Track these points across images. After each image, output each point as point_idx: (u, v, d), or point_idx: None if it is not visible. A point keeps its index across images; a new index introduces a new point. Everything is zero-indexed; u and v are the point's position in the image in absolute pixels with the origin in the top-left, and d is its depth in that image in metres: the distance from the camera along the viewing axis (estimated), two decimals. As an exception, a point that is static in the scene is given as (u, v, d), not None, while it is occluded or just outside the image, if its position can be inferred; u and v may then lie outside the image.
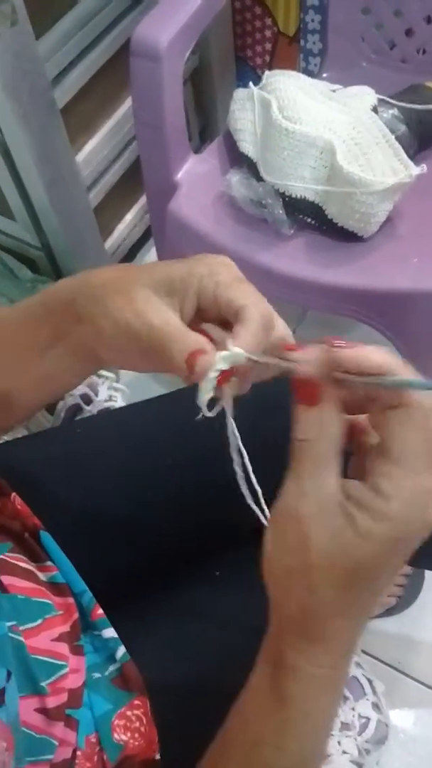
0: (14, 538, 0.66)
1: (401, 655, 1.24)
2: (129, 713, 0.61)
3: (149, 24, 1.06)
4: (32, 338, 0.52)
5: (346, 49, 1.34)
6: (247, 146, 1.12)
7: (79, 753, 0.56)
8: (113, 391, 0.97)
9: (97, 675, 0.62)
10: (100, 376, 0.97)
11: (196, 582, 0.75)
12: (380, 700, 0.79)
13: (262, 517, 0.47)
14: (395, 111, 1.10)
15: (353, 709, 0.76)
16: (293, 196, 1.05)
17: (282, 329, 0.47)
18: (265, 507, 0.47)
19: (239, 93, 1.15)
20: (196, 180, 1.18)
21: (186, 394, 0.82)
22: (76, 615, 0.64)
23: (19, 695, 0.52)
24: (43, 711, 0.55)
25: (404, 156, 1.01)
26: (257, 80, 1.13)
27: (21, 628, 0.56)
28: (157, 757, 0.60)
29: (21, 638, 0.55)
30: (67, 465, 0.77)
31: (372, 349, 0.39)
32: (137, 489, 0.76)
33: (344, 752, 0.73)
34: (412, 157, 1.03)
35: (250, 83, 1.13)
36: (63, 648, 0.60)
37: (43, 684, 0.55)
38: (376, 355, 0.39)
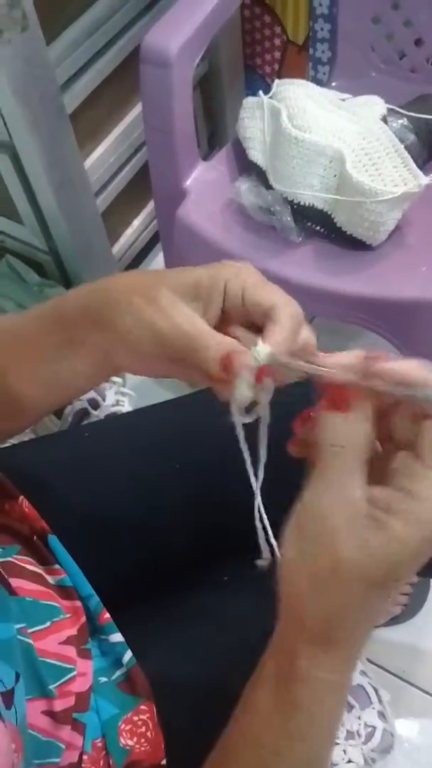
0: (22, 540, 0.66)
1: (407, 664, 1.23)
2: (135, 718, 0.60)
3: (159, 31, 1.07)
4: (45, 345, 0.52)
5: (355, 58, 1.34)
6: (256, 154, 1.12)
7: (85, 757, 0.56)
8: (120, 395, 0.97)
9: (103, 679, 0.62)
10: (107, 380, 0.97)
11: (203, 586, 0.75)
12: (386, 709, 0.79)
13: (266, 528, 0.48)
14: (405, 121, 1.10)
15: (359, 717, 0.76)
16: (302, 204, 1.06)
17: (307, 333, 0.47)
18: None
19: (249, 101, 1.15)
20: (204, 187, 1.18)
21: (193, 399, 0.82)
22: (83, 618, 0.64)
23: (26, 698, 0.52)
24: (50, 714, 0.55)
25: (413, 165, 1.01)
26: (266, 88, 1.14)
27: (29, 630, 0.56)
28: (164, 762, 0.60)
29: (30, 641, 0.55)
30: (74, 469, 0.77)
31: (414, 363, 0.40)
32: (144, 493, 0.76)
33: (350, 761, 0.72)
34: (421, 166, 1.03)
35: (260, 92, 1.13)
36: (71, 651, 0.60)
37: (50, 687, 0.55)
38: (419, 368, 0.39)
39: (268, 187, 1.08)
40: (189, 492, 0.75)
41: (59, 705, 0.56)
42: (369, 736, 0.76)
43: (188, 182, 1.18)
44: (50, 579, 0.65)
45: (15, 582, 0.59)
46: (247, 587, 0.69)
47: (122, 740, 0.59)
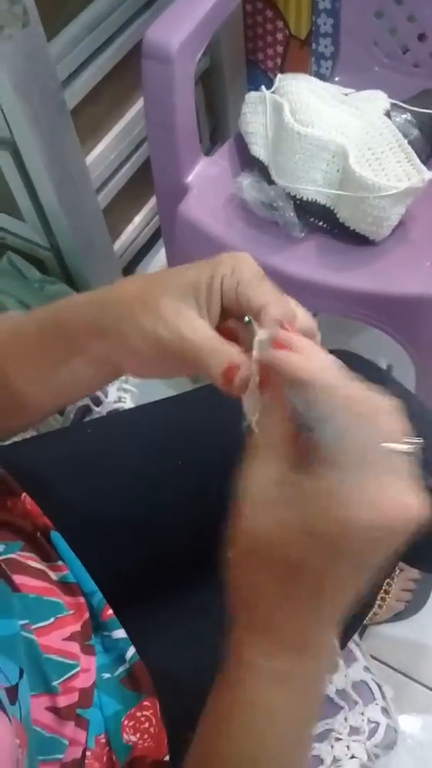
0: (25, 537, 0.66)
1: (410, 661, 1.24)
2: (138, 714, 0.60)
3: (161, 26, 1.06)
4: (46, 352, 0.52)
5: (358, 53, 1.34)
6: (259, 149, 1.12)
7: (88, 753, 0.56)
8: (122, 392, 0.97)
9: (107, 675, 0.62)
10: (111, 382, 0.97)
11: (206, 582, 0.75)
12: (389, 705, 0.79)
13: None
14: (408, 115, 1.10)
15: (362, 713, 0.76)
16: (304, 199, 1.05)
17: (304, 321, 0.47)
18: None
19: (251, 96, 1.15)
20: (206, 182, 1.18)
21: (194, 395, 0.82)
22: (86, 615, 0.63)
23: (30, 693, 0.52)
24: (54, 710, 0.55)
25: (417, 160, 1.01)
26: (268, 83, 1.13)
27: (33, 626, 0.56)
28: (167, 758, 0.60)
29: (33, 637, 0.55)
30: (76, 465, 0.77)
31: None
32: (146, 489, 0.76)
33: (353, 757, 0.72)
34: (424, 161, 1.03)
35: (262, 87, 1.13)
36: (74, 647, 0.60)
37: (54, 683, 0.55)
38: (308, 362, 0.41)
39: (271, 182, 1.08)
40: (191, 488, 0.75)
41: (63, 701, 0.56)
42: (372, 732, 0.75)
43: (190, 178, 1.18)
44: (53, 575, 0.64)
45: (18, 579, 0.59)
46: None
47: (125, 736, 0.59)
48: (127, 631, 0.65)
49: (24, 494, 0.70)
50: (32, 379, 0.53)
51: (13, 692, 0.48)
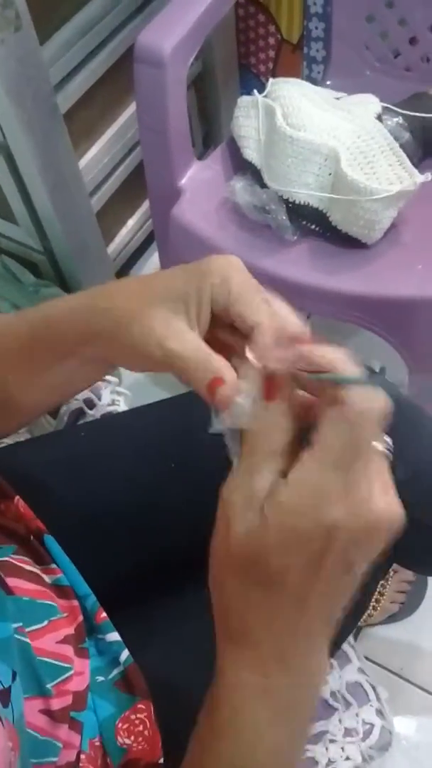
0: (19, 540, 0.66)
1: (404, 662, 1.24)
2: (133, 717, 0.60)
3: (153, 30, 1.07)
4: (41, 355, 0.52)
5: (349, 57, 1.34)
6: (251, 153, 1.12)
7: (82, 756, 0.56)
8: (116, 395, 0.97)
9: (100, 678, 0.62)
10: (103, 380, 0.97)
11: (201, 585, 0.75)
12: (384, 707, 0.79)
13: None
14: (399, 119, 1.10)
15: (357, 715, 0.76)
16: (297, 202, 1.06)
17: (294, 327, 0.47)
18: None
19: (243, 100, 1.15)
20: (199, 186, 1.18)
21: (189, 398, 0.82)
22: (80, 618, 0.63)
23: (24, 696, 0.52)
24: (47, 713, 0.55)
25: (409, 164, 1.01)
26: (261, 87, 1.14)
27: (27, 629, 0.56)
28: (161, 761, 0.59)
29: (27, 639, 0.55)
30: (70, 468, 0.77)
31: (326, 347, 0.41)
32: (140, 492, 0.76)
33: (348, 758, 0.72)
34: (416, 164, 1.03)
35: (255, 91, 1.13)
36: (68, 650, 0.60)
37: (48, 686, 0.55)
38: (328, 351, 0.40)
39: (263, 185, 1.08)
40: (185, 491, 0.75)
41: (57, 704, 0.55)
42: (367, 734, 0.76)
43: (183, 181, 1.18)
44: (47, 578, 0.64)
45: (12, 581, 0.59)
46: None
47: (120, 739, 0.59)
48: (121, 634, 0.65)
49: (17, 497, 0.69)
50: (25, 380, 0.53)
51: (5, 695, 0.48)
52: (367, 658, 1.21)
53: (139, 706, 0.61)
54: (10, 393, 0.54)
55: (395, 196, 0.99)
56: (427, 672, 1.23)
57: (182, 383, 0.47)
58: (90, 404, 0.93)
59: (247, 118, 1.14)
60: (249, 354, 0.44)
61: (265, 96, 1.12)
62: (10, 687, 0.48)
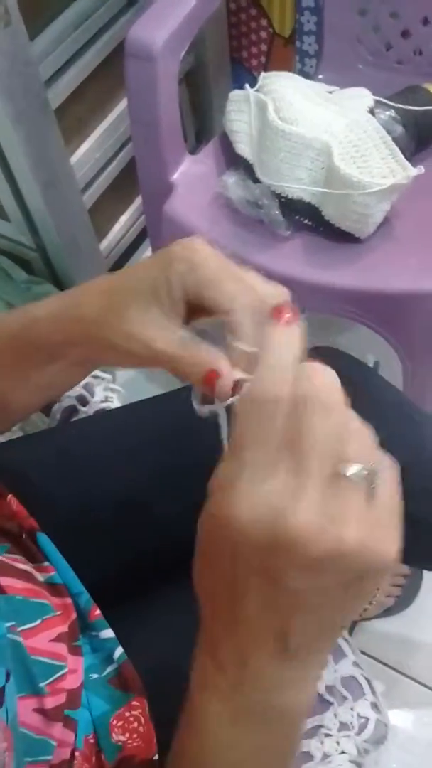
0: (11, 539, 0.66)
1: (400, 656, 1.24)
2: (127, 714, 0.60)
3: (144, 24, 1.06)
4: (26, 358, 0.52)
5: (342, 50, 1.34)
6: (244, 148, 1.11)
7: (77, 754, 0.56)
8: (109, 392, 0.97)
9: (95, 676, 0.62)
10: (96, 377, 0.96)
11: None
12: (379, 700, 0.79)
13: None
14: (392, 112, 1.10)
15: (352, 709, 0.76)
16: (290, 197, 1.05)
17: (275, 298, 0.46)
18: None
19: (235, 95, 1.14)
20: (191, 181, 1.18)
21: (182, 395, 0.82)
22: (74, 615, 0.63)
23: (17, 695, 0.52)
24: (41, 711, 0.54)
25: (401, 157, 1.01)
26: (253, 82, 1.13)
27: (19, 628, 0.56)
28: (156, 757, 0.59)
29: (20, 638, 0.55)
30: (62, 466, 0.77)
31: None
32: (134, 489, 0.75)
33: (343, 752, 0.73)
34: (409, 158, 1.03)
35: (246, 85, 1.12)
36: (61, 648, 0.60)
37: (41, 684, 0.55)
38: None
39: (256, 180, 1.08)
40: (179, 488, 0.75)
41: (51, 702, 0.55)
42: (362, 728, 0.76)
43: (175, 176, 1.17)
44: (40, 576, 0.64)
45: (4, 580, 0.59)
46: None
47: (114, 736, 0.59)
48: (115, 631, 0.65)
49: (10, 495, 0.69)
50: (14, 379, 0.53)
51: (-1, 695, 0.48)
52: (363, 652, 1.21)
53: (134, 702, 0.61)
54: (1, 392, 0.54)
55: (388, 189, 0.98)
56: (423, 665, 1.23)
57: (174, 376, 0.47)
58: (83, 401, 0.93)
59: (239, 112, 1.13)
60: (236, 344, 0.43)
61: (257, 90, 1.11)
62: (3, 687, 0.48)
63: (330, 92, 1.15)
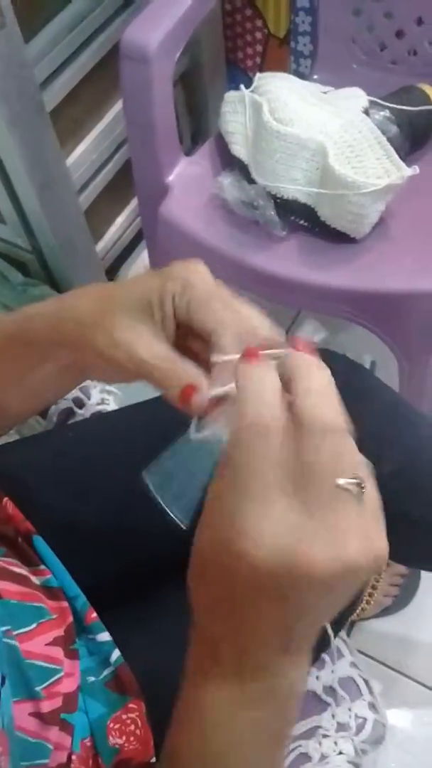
0: (7, 543, 0.66)
1: (398, 655, 1.24)
2: (124, 716, 0.60)
3: (139, 26, 1.06)
4: (20, 359, 0.52)
5: (336, 50, 1.34)
6: (239, 149, 1.11)
7: (74, 757, 0.56)
8: (106, 394, 0.97)
9: (91, 679, 0.62)
10: (92, 379, 0.96)
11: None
12: (377, 700, 0.79)
13: None
14: (387, 112, 1.10)
15: (350, 709, 0.76)
16: (285, 197, 1.05)
17: (265, 331, 0.46)
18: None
19: (230, 96, 1.15)
20: (187, 182, 1.18)
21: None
22: (70, 619, 0.63)
23: (13, 700, 0.52)
24: (37, 715, 0.54)
25: (396, 157, 1.01)
26: (248, 82, 1.13)
27: (15, 632, 0.56)
28: (153, 760, 0.59)
29: (15, 642, 0.55)
30: (59, 469, 0.77)
31: None
32: (130, 492, 0.75)
33: (341, 752, 0.73)
34: (403, 158, 1.03)
35: (242, 86, 1.13)
36: (58, 652, 0.60)
37: (37, 688, 0.55)
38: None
39: (251, 181, 1.08)
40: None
41: (47, 706, 0.55)
42: (360, 728, 0.76)
43: (171, 178, 1.17)
44: (36, 580, 0.64)
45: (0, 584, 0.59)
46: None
47: (111, 739, 0.59)
48: (112, 634, 0.65)
49: (6, 499, 0.69)
50: (6, 384, 0.53)
51: (-6, 700, 0.48)
52: (361, 652, 1.21)
53: (131, 705, 0.61)
54: None
55: (383, 189, 0.99)
56: (421, 664, 1.24)
57: (155, 389, 0.47)
58: (79, 403, 0.93)
59: (235, 113, 1.13)
60: (216, 358, 0.44)
61: (252, 91, 1.11)
62: (-2, 691, 0.48)
63: (325, 92, 1.15)
